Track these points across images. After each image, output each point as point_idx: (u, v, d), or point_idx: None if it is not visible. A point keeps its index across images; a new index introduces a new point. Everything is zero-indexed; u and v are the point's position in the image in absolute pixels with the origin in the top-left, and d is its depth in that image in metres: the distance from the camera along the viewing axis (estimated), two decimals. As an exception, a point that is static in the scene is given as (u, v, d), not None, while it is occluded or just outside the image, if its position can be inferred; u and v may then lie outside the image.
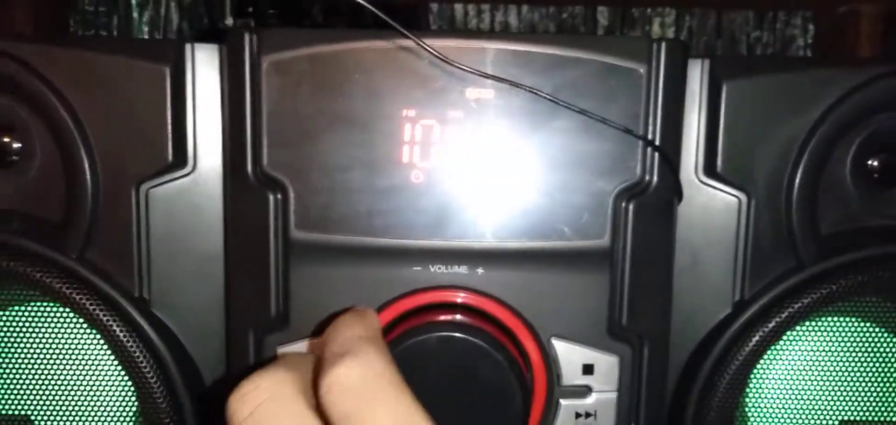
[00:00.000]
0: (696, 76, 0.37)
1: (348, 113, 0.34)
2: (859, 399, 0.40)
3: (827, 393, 0.40)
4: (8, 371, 0.41)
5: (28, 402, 0.40)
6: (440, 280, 0.35)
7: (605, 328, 0.36)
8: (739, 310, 0.39)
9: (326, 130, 0.34)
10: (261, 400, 0.27)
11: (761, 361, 0.39)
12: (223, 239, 0.38)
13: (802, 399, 0.40)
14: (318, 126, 0.34)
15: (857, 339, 0.39)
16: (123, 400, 0.40)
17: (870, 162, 0.40)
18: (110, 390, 0.40)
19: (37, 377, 0.40)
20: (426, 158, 0.34)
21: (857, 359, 0.39)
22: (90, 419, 0.40)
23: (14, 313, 0.40)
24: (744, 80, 0.37)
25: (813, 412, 0.40)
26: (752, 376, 0.39)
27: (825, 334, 0.39)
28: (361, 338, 0.26)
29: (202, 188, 0.38)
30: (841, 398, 0.40)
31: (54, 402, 0.40)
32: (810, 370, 0.39)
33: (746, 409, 0.40)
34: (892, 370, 0.40)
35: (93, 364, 0.40)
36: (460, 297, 0.35)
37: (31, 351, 0.40)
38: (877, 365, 0.39)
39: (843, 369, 0.39)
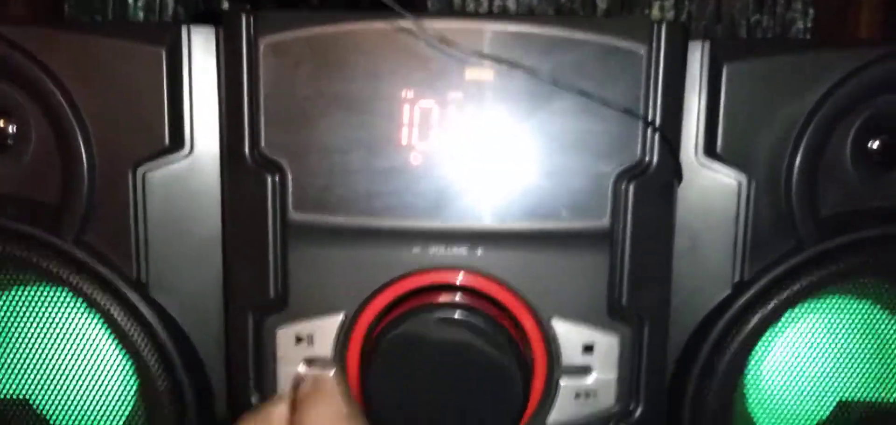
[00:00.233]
0: (697, 58, 0.37)
1: (346, 94, 0.34)
2: (858, 379, 0.40)
3: (826, 373, 0.40)
4: (7, 354, 0.41)
5: (28, 385, 0.41)
6: (439, 261, 0.35)
7: (606, 308, 0.36)
8: (739, 292, 0.39)
9: (324, 112, 0.34)
10: None
11: (760, 342, 0.39)
12: (221, 221, 0.38)
13: (802, 379, 0.40)
14: (316, 108, 0.34)
15: (857, 320, 0.39)
16: (123, 383, 0.40)
17: (870, 144, 0.40)
18: (110, 372, 0.40)
19: (36, 360, 0.41)
20: (425, 140, 0.34)
21: (856, 340, 0.40)
22: (90, 401, 0.40)
23: (13, 295, 0.40)
24: (744, 62, 0.37)
25: (812, 392, 0.40)
26: (751, 356, 0.39)
27: (824, 315, 0.39)
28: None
29: (199, 171, 0.38)
30: (840, 378, 0.40)
31: (54, 385, 0.40)
32: (809, 350, 0.40)
33: (746, 390, 0.41)
34: (890, 350, 0.40)
35: (92, 347, 0.40)
36: (459, 278, 0.35)
37: (31, 334, 0.40)
38: (876, 345, 0.40)
39: (842, 349, 0.40)
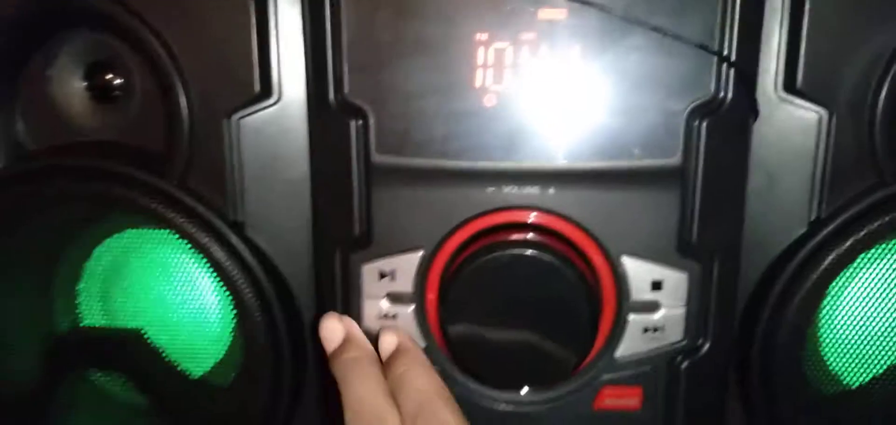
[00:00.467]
0: (778, -13, 0.36)
1: (423, 38, 0.35)
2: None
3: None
4: (121, 289, 0.45)
5: (140, 317, 0.45)
6: (513, 200, 0.36)
7: (675, 245, 0.36)
8: (816, 229, 0.38)
9: (404, 57, 0.35)
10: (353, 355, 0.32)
11: (836, 281, 0.38)
12: (310, 164, 0.40)
13: (876, 320, 0.39)
14: (396, 53, 0.35)
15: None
16: (223, 315, 0.43)
17: (963, 75, 0.38)
18: (211, 306, 0.43)
19: (146, 294, 0.45)
20: (499, 81, 0.35)
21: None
22: (195, 332, 0.44)
23: (125, 237, 0.44)
24: (829, -9, 0.36)
25: (886, 334, 0.39)
26: (826, 295, 0.39)
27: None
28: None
29: (289, 116, 0.39)
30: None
31: (163, 317, 0.44)
32: (885, 291, 0.39)
33: (819, 330, 0.40)
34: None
35: (195, 282, 0.43)
36: (532, 217, 0.36)
37: (141, 271, 0.44)
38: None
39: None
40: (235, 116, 0.39)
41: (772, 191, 0.38)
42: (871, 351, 0.40)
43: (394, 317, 0.39)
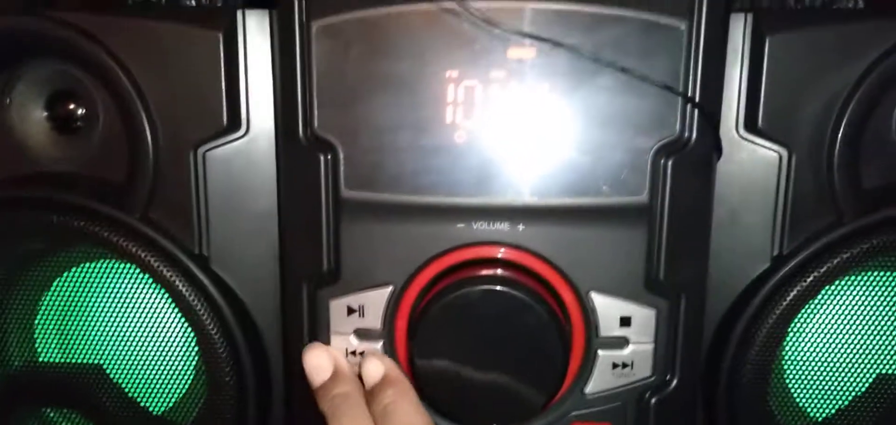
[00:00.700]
0: (739, 30, 0.37)
1: (395, 75, 0.35)
2: (897, 352, 0.40)
3: (864, 347, 0.40)
4: (80, 323, 0.44)
5: (100, 352, 0.43)
6: (483, 236, 0.36)
7: (643, 282, 0.37)
8: (778, 265, 0.39)
9: (374, 93, 0.35)
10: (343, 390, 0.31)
11: (799, 316, 0.39)
12: (277, 198, 0.40)
13: (840, 353, 0.40)
14: (366, 88, 0.35)
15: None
16: (186, 350, 0.42)
17: (917, 115, 0.39)
18: (174, 341, 0.42)
19: (107, 329, 0.43)
20: (469, 118, 0.35)
21: (895, 312, 0.39)
22: (156, 368, 0.43)
23: (85, 270, 0.43)
24: (787, 34, 0.37)
25: (850, 366, 0.40)
26: (789, 330, 0.40)
27: (864, 289, 0.39)
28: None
29: (256, 150, 0.39)
30: (878, 352, 0.40)
31: (123, 353, 0.43)
32: (848, 325, 0.40)
33: (783, 363, 0.41)
34: (932, 323, 0.40)
35: (157, 317, 0.42)
36: (502, 253, 0.37)
37: (101, 305, 0.43)
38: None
39: (882, 324, 0.40)
40: (202, 149, 0.39)
41: (735, 228, 0.39)
42: (835, 385, 0.41)
43: (362, 353, 0.38)
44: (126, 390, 0.43)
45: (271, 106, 0.39)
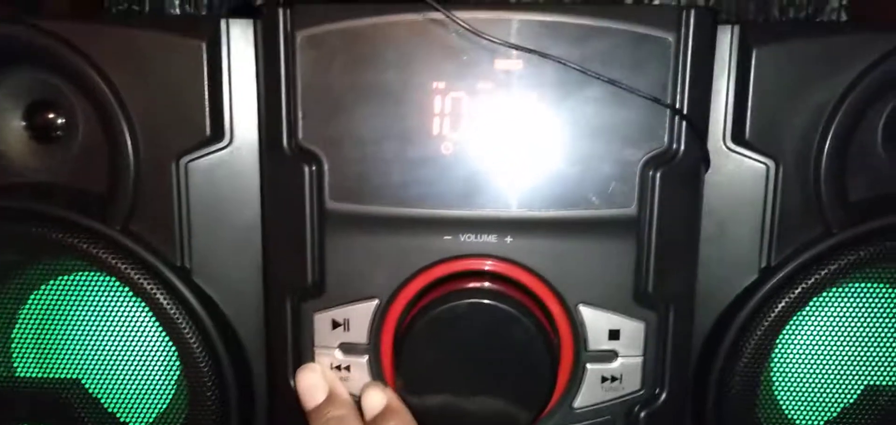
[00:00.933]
0: (726, 42, 0.37)
1: (380, 86, 0.34)
2: (885, 365, 0.40)
3: (853, 359, 0.40)
4: (58, 337, 0.43)
5: (79, 366, 0.42)
6: (470, 248, 0.36)
7: (631, 294, 0.37)
8: (766, 277, 0.39)
9: (359, 103, 0.35)
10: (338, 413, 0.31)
11: (787, 327, 0.39)
12: (261, 209, 0.39)
13: (828, 364, 0.40)
14: (352, 99, 0.35)
15: (885, 305, 0.39)
16: (168, 365, 0.42)
17: (902, 127, 0.39)
18: (155, 355, 0.42)
19: (86, 342, 0.42)
20: (456, 130, 0.35)
21: (883, 326, 0.39)
22: (137, 382, 0.42)
23: (64, 281, 0.42)
24: (774, 46, 0.37)
25: (839, 377, 0.40)
26: (777, 341, 0.39)
27: (852, 300, 0.39)
28: None
29: (240, 160, 0.39)
30: (867, 364, 0.40)
31: (103, 366, 0.42)
32: (836, 336, 0.40)
33: (772, 375, 0.41)
34: (919, 335, 0.40)
35: (138, 330, 0.41)
36: (489, 265, 0.36)
37: (81, 318, 0.42)
38: (903, 330, 0.40)
39: (870, 335, 0.40)
40: (184, 159, 0.39)
41: (723, 240, 0.39)
42: (824, 396, 0.41)
43: (347, 368, 0.38)
44: (106, 405, 0.42)
45: (255, 116, 0.38)
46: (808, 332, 0.40)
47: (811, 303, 0.39)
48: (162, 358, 0.42)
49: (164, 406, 0.43)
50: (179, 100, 0.38)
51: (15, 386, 0.43)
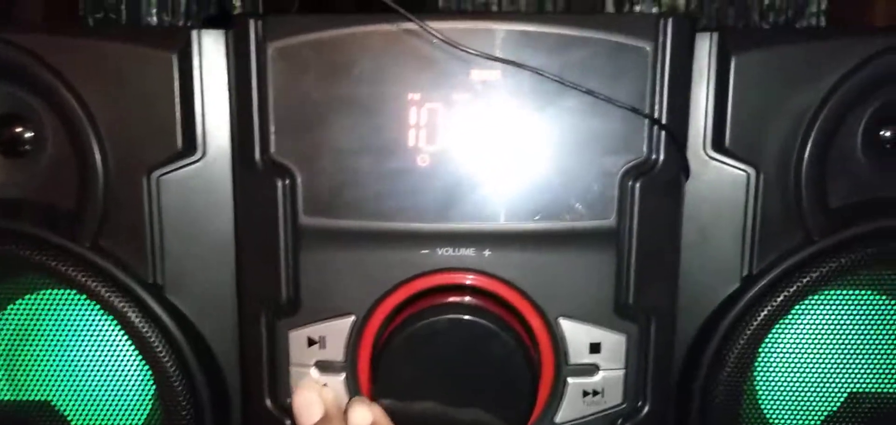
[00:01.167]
0: (705, 49, 0.37)
1: (354, 98, 0.34)
2: (869, 371, 0.40)
3: (836, 365, 0.40)
4: (28, 357, 0.42)
5: (49, 387, 0.41)
6: (448, 262, 0.35)
7: (612, 307, 0.36)
8: (748, 285, 0.39)
9: (333, 116, 0.34)
10: None
11: (770, 335, 0.39)
12: (234, 224, 0.38)
13: (812, 371, 0.40)
14: (325, 112, 0.34)
15: (867, 311, 0.39)
16: (141, 384, 0.41)
17: (882, 132, 0.39)
18: (128, 374, 0.41)
19: (56, 362, 0.41)
20: (432, 141, 0.34)
21: (866, 332, 0.39)
22: (109, 403, 0.41)
23: (32, 299, 0.41)
24: (752, 53, 0.37)
25: (822, 384, 0.40)
26: (760, 349, 0.39)
27: (835, 307, 0.39)
28: None
29: (213, 173, 0.38)
30: (850, 370, 0.40)
31: (74, 387, 0.41)
32: (819, 343, 0.39)
33: (756, 383, 0.41)
34: (901, 341, 0.40)
35: (110, 349, 0.41)
36: (468, 279, 0.36)
37: (50, 337, 0.41)
38: (886, 336, 0.39)
39: (853, 341, 0.39)
40: (156, 173, 0.38)
41: (704, 248, 0.39)
42: (808, 403, 0.40)
43: (324, 386, 0.37)
44: (77, 427, 0.41)
45: (228, 127, 0.37)
46: (791, 340, 0.40)
47: (794, 310, 0.39)
48: (135, 378, 0.41)
49: (139, 426, 0.42)
50: (150, 112, 0.37)
51: (-18, 409, 0.42)
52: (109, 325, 0.40)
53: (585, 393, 0.37)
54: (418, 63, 0.34)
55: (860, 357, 0.40)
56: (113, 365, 0.41)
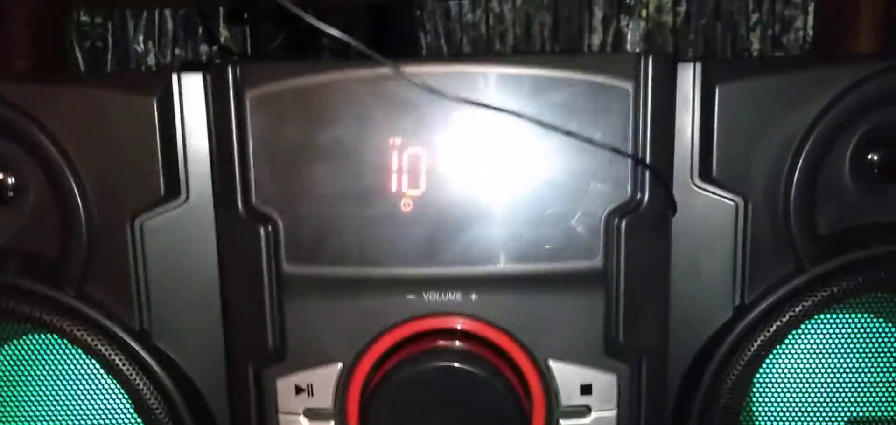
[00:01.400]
0: (689, 80, 0.37)
1: (334, 144, 0.33)
2: (867, 396, 0.39)
3: (834, 391, 0.39)
4: (15, 404, 0.41)
5: (37, 434, 0.41)
6: (434, 307, 0.35)
7: (602, 347, 0.36)
8: (740, 315, 0.38)
9: (313, 163, 0.34)
10: None
11: (765, 364, 0.38)
12: (219, 271, 0.38)
13: (809, 399, 0.39)
14: (305, 159, 0.34)
15: (863, 336, 0.39)
16: (130, 431, 0.40)
17: (870, 156, 0.39)
18: (117, 422, 0.40)
19: (44, 410, 0.41)
20: (415, 186, 0.34)
21: (863, 356, 0.39)
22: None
23: (18, 346, 0.41)
24: (737, 83, 0.36)
25: (821, 411, 0.39)
26: (755, 379, 0.39)
27: (829, 332, 0.39)
28: None
29: (197, 216, 0.38)
30: (848, 396, 0.39)
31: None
32: (815, 369, 0.39)
33: (753, 412, 0.40)
34: (897, 366, 0.39)
35: (98, 396, 0.40)
36: (455, 323, 0.35)
37: (37, 384, 0.41)
38: (884, 360, 0.39)
39: (850, 367, 0.39)
40: (139, 219, 0.37)
41: (696, 279, 0.38)
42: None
43: (311, 433, 0.36)
44: (65, 475, 0.41)
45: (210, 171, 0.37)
46: (788, 365, 0.39)
47: (789, 337, 0.38)
48: (124, 424, 0.40)
49: (128, 473, 0.41)
50: (132, 158, 0.37)
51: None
52: (97, 372, 0.39)
53: (577, 436, 0.37)
54: (399, 107, 0.33)
55: (858, 382, 0.39)
56: (101, 413, 0.40)
